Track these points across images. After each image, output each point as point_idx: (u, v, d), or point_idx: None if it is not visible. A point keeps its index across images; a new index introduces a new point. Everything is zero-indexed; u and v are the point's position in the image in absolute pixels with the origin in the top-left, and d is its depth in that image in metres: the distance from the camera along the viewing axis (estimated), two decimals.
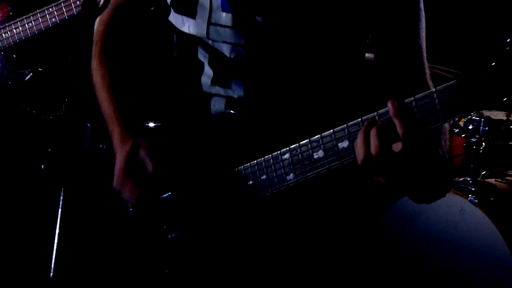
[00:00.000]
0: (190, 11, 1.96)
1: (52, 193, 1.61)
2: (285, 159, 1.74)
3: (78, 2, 3.14)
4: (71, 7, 3.14)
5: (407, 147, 1.40)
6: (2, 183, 3.68)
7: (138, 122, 2.12)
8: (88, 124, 1.72)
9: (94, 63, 2.14)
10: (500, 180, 3.38)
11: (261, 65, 1.90)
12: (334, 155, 1.61)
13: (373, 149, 1.41)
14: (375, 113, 1.49)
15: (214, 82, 1.98)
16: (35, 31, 3.24)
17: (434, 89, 1.39)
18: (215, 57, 1.98)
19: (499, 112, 3.57)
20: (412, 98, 1.41)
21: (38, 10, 3.19)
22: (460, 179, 3.30)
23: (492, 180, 3.36)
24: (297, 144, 1.70)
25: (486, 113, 3.52)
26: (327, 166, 1.62)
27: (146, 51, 2.46)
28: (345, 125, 1.58)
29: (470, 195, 3.12)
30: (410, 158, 1.41)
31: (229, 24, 1.89)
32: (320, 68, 1.90)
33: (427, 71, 1.90)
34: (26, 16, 3.23)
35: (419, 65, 1.91)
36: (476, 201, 3.06)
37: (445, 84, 1.39)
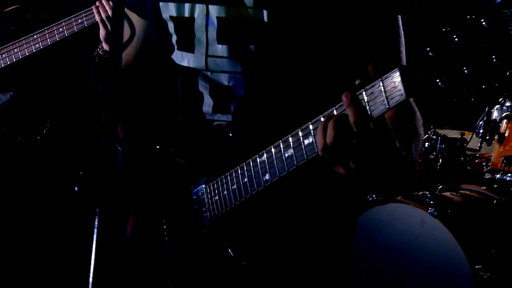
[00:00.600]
0: (188, 47, 2.00)
1: (87, 215, 1.61)
2: (262, 161, 1.76)
3: (60, 29, 3.22)
4: (53, 34, 3.21)
5: (359, 134, 1.44)
6: (37, 206, 3.66)
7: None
8: (120, 149, 1.70)
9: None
10: (455, 193, 3.44)
11: (258, 90, 1.93)
12: (300, 151, 1.64)
13: (328, 139, 1.45)
14: (333, 108, 1.53)
15: (215, 110, 2.00)
16: (19, 56, 3.29)
17: (379, 78, 1.43)
18: (215, 87, 2.00)
19: (454, 130, 3.65)
20: (363, 89, 1.45)
21: (23, 38, 3.26)
22: (420, 193, 3.34)
23: (448, 194, 3.41)
24: (271, 146, 1.74)
25: (443, 131, 3.61)
26: (295, 163, 1.65)
27: (153, 87, 2.38)
28: (309, 123, 1.61)
29: (430, 208, 3.16)
30: (363, 144, 1.45)
31: (226, 54, 1.92)
32: (310, 91, 1.92)
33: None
34: (12, 43, 3.30)
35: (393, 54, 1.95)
36: (436, 213, 3.10)
37: (389, 73, 1.42)
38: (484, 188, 3.57)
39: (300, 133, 1.62)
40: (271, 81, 1.91)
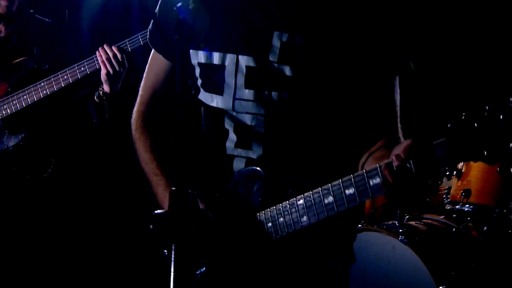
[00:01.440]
0: (217, 90, 2.05)
1: (161, 251, 1.83)
2: (300, 204, 1.82)
3: (65, 77, 3.30)
4: (59, 81, 3.29)
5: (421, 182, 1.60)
6: (43, 239, 3.64)
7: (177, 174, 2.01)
8: (190, 191, 1.77)
9: (137, 134, 2.24)
10: (419, 222, 3.63)
11: (277, 130, 1.98)
12: (341, 200, 1.72)
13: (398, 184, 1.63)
14: (377, 165, 1.66)
15: (237, 145, 2.04)
16: (28, 102, 3.35)
17: (437, 141, 1.58)
18: (239, 125, 2.04)
19: None
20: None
21: (31, 85, 3.33)
22: (389, 222, 3.50)
23: (413, 223, 3.61)
24: (310, 192, 1.79)
25: None
26: (336, 210, 1.73)
27: (177, 122, 2.13)
28: (350, 176, 1.70)
29: (400, 236, 3.33)
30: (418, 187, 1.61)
31: (251, 98, 1.98)
32: (322, 132, 2.00)
33: (400, 128, 2.05)
34: (22, 90, 3.35)
35: (395, 124, 2.06)
36: (406, 240, 3.28)
37: (440, 140, 1.57)
38: (443, 217, 3.77)
39: (342, 183, 1.74)
40: (290, 124, 1.96)
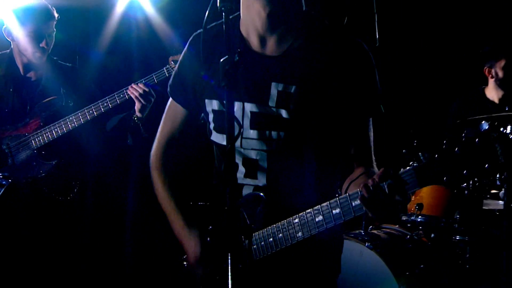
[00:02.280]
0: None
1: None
2: (295, 222, 1.96)
3: (91, 111, 3.51)
4: (85, 115, 3.50)
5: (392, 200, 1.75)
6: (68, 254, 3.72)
7: (190, 214, 2.28)
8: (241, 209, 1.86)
9: (155, 174, 2.34)
10: (380, 231, 3.85)
11: (277, 162, 2.10)
12: (329, 218, 1.89)
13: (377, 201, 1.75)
14: (358, 190, 1.79)
15: (245, 176, 2.14)
16: (59, 134, 3.54)
17: (401, 170, 1.76)
18: (246, 160, 2.14)
19: None
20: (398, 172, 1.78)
21: (61, 119, 3.53)
22: (356, 231, 3.70)
23: (375, 231, 3.81)
24: (304, 212, 1.94)
25: None
26: (325, 226, 1.89)
27: (192, 159, 2.47)
28: (336, 198, 1.87)
29: (366, 243, 3.53)
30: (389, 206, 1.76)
31: (255, 137, 2.10)
32: (313, 162, 2.11)
33: (374, 160, 2.17)
34: (52, 124, 3.55)
35: (370, 156, 2.17)
36: (371, 246, 3.49)
37: (407, 168, 1.78)
38: (398, 226, 3.93)
39: (330, 205, 1.89)
40: (287, 156, 2.08)
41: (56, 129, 3.56)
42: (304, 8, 2.09)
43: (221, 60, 1.69)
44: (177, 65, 2.29)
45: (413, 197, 4.02)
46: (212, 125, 2.15)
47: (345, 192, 2.02)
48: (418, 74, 5.25)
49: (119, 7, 4.60)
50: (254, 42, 2.08)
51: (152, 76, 3.52)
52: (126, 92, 3.55)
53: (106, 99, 3.51)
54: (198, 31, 2.21)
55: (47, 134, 3.59)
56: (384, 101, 2.18)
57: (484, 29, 5.33)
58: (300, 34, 2.07)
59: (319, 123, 2.05)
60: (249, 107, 2.09)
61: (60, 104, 3.64)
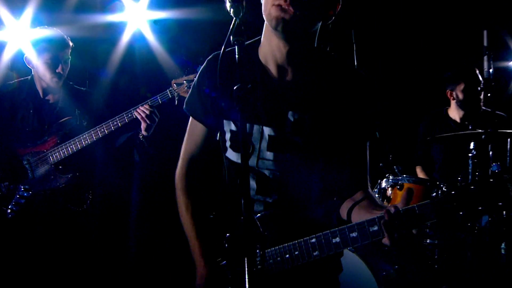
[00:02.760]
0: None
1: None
2: (312, 242, 1.96)
3: (102, 130, 3.59)
4: (97, 133, 3.60)
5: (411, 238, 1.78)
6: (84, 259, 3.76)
7: (208, 250, 2.22)
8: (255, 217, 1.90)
9: (180, 193, 2.31)
10: None
11: (288, 182, 2.12)
12: (346, 241, 1.89)
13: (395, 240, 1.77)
14: (375, 216, 1.81)
15: (257, 193, 2.16)
16: (74, 150, 3.63)
17: (420, 204, 1.76)
18: (260, 178, 2.15)
19: None
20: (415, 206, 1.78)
21: (76, 137, 3.61)
22: None
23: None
24: (321, 233, 1.94)
25: None
26: (342, 247, 1.89)
27: (208, 177, 2.43)
28: (354, 223, 1.88)
29: (348, 247, 3.45)
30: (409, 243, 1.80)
31: (271, 158, 2.11)
32: (319, 183, 2.13)
33: (369, 183, 2.21)
34: (68, 141, 3.63)
35: (365, 177, 2.21)
36: (353, 250, 3.55)
37: (424, 202, 1.78)
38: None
39: (348, 229, 1.88)
40: (298, 177, 2.10)
41: (71, 146, 3.64)
42: (315, 45, 2.11)
43: (234, 87, 1.72)
44: (194, 84, 2.27)
45: (387, 203, 4.11)
46: (228, 143, 2.17)
47: (347, 214, 2.10)
48: (392, 96, 5.36)
49: (125, 37, 4.73)
50: (272, 70, 2.10)
51: (157, 97, 3.59)
52: (133, 112, 3.60)
53: (116, 118, 3.59)
54: (216, 52, 2.20)
55: (63, 150, 3.67)
56: (379, 128, 2.22)
57: (447, 57, 5.49)
58: (313, 66, 2.11)
59: (328, 147, 2.10)
60: (268, 131, 2.10)
61: (75, 124, 3.73)
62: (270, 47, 2.09)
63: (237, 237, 1.76)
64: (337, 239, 1.91)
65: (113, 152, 3.89)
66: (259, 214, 2.12)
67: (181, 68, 3.58)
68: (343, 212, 2.15)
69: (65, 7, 4.48)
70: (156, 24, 4.78)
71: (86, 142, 3.62)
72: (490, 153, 4.03)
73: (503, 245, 3.98)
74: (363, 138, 2.18)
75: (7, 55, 4.29)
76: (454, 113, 4.88)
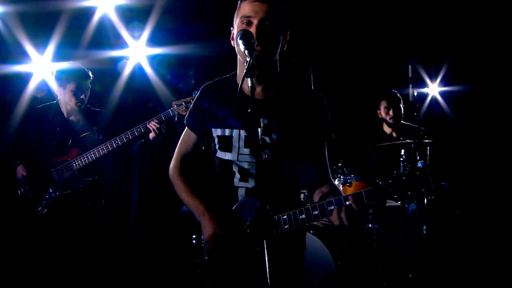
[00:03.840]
0: (228, 149, 2.26)
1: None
2: (284, 218, 2.05)
3: (116, 142, 3.76)
4: (112, 145, 3.78)
5: (360, 215, 1.91)
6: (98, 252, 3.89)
7: (210, 206, 2.27)
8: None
9: (176, 181, 2.37)
10: (318, 223, 3.99)
11: (262, 171, 2.17)
12: (311, 217, 2.01)
13: (344, 221, 1.94)
14: (341, 197, 1.94)
15: (240, 180, 2.25)
16: (93, 158, 3.84)
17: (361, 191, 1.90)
18: (241, 169, 2.22)
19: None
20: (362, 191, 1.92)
21: (95, 148, 3.82)
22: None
23: (315, 223, 3.97)
24: (291, 211, 2.04)
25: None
26: (307, 222, 2.01)
27: (200, 169, 2.48)
28: (317, 203, 2.00)
29: (311, 230, 3.82)
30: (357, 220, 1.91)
31: (248, 153, 2.20)
32: (287, 173, 2.21)
33: (331, 177, 2.30)
34: (88, 152, 3.85)
35: (327, 171, 2.29)
36: (314, 233, 3.80)
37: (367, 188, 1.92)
38: (325, 219, 3.60)
39: (326, 203, 1.98)
40: (269, 167, 2.18)
41: (90, 155, 3.85)
42: (278, 69, 2.25)
43: (249, 110, 1.84)
44: (191, 105, 2.37)
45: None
46: (217, 146, 2.28)
47: (319, 200, 2.20)
48: (342, 111, 5.54)
49: (127, 70, 4.91)
50: (246, 89, 2.18)
51: (161, 115, 3.80)
52: (139, 128, 3.76)
53: (127, 133, 3.78)
54: (207, 83, 2.36)
55: (84, 159, 3.86)
56: (334, 131, 2.29)
57: (382, 83, 5.74)
58: (277, 85, 2.21)
59: (291, 146, 2.19)
60: (243, 133, 2.21)
61: (93, 138, 3.91)
62: (243, 73, 2.10)
63: (256, 223, 1.89)
64: (303, 216, 2.03)
65: (123, 159, 4.02)
66: (241, 198, 2.20)
67: (179, 93, 3.85)
68: (316, 199, 2.26)
69: (80, 44, 4.62)
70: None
71: (103, 152, 3.82)
72: (418, 157, 4.27)
73: (424, 228, 4.24)
74: (321, 138, 2.28)
75: (33, 83, 4.49)
76: (385, 127, 5.07)
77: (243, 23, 2.13)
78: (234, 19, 2.24)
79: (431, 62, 5.75)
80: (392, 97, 4.98)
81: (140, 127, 3.80)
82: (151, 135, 3.78)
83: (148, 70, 4.94)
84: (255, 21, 2.10)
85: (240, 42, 1.99)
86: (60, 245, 3.78)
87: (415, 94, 4.60)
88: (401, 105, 4.98)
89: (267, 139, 2.15)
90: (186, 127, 2.41)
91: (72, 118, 3.99)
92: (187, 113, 2.40)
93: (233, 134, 2.23)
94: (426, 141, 4.28)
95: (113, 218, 4.24)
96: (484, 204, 5.38)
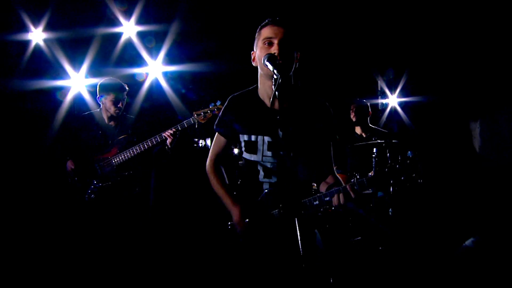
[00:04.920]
0: (254, 152, 2.33)
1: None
2: (303, 202, 2.16)
3: (147, 144, 3.97)
4: (144, 146, 4.00)
5: (356, 199, 1.99)
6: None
7: (236, 198, 2.39)
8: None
9: (211, 176, 2.47)
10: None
11: (283, 169, 2.24)
12: (323, 202, 2.10)
13: (340, 201, 2.04)
14: (340, 187, 2.03)
15: (264, 177, 2.32)
16: (129, 157, 4.07)
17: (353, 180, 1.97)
18: (265, 168, 2.29)
19: None
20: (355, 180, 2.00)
21: (130, 148, 4.05)
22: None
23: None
24: (306, 199, 2.13)
25: None
26: (320, 207, 2.09)
27: (228, 167, 2.54)
28: (327, 191, 2.08)
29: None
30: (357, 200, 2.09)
31: (270, 155, 2.27)
32: (302, 169, 2.25)
33: (334, 167, 2.34)
34: (125, 151, 4.09)
35: (332, 167, 2.35)
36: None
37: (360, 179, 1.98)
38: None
39: (329, 193, 2.07)
40: (289, 165, 2.24)
41: (127, 154, 4.09)
42: (292, 83, 2.28)
43: (277, 117, 2.01)
44: (220, 113, 2.42)
45: None
46: (244, 149, 2.36)
47: (324, 190, 2.27)
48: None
49: (146, 83, 5.20)
50: (267, 102, 2.28)
51: (183, 122, 3.97)
52: (162, 134, 3.97)
53: (156, 136, 3.98)
54: (233, 95, 2.41)
55: (122, 157, 4.09)
56: (338, 133, 2.34)
57: (359, 94, 5.90)
58: (292, 97, 2.26)
59: (304, 147, 2.26)
60: (267, 138, 2.29)
61: (128, 139, 4.13)
62: (264, 88, 2.29)
63: (288, 205, 2.00)
64: (317, 202, 2.13)
65: (149, 158, 4.23)
66: (266, 190, 2.29)
67: (199, 103, 4.09)
68: (322, 189, 2.34)
69: (108, 62, 4.93)
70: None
71: (137, 151, 4.06)
72: (388, 154, 4.50)
73: (390, 210, 4.55)
74: (327, 140, 2.37)
75: (71, 96, 4.83)
76: (357, 129, 5.33)
77: (265, 44, 2.23)
78: (255, 43, 2.34)
79: (391, 77, 6.04)
80: (360, 107, 5.28)
81: (161, 134, 4.03)
82: (168, 140, 4.02)
83: (164, 84, 5.21)
84: (275, 41, 2.21)
85: (268, 63, 2.10)
86: (103, 227, 4.03)
87: (384, 103, 5.08)
88: (368, 111, 5.25)
89: (285, 142, 2.25)
90: (217, 132, 2.51)
91: (111, 123, 4.23)
92: (217, 120, 2.48)
93: (258, 139, 2.30)
94: (394, 141, 4.60)
95: (144, 204, 4.49)
96: (438, 193, 5.57)
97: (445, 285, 3.48)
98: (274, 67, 2.04)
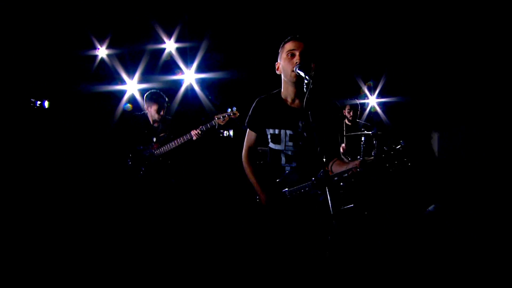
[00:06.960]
0: (278, 142, 2.50)
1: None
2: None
3: (180, 140, 4.44)
4: (179, 142, 4.47)
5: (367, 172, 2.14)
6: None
7: (265, 184, 2.55)
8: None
9: (245, 165, 2.65)
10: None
11: (301, 155, 2.41)
12: (341, 179, 2.21)
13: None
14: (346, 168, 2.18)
15: (285, 162, 2.51)
16: (167, 149, 4.57)
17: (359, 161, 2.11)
18: (286, 155, 2.46)
19: None
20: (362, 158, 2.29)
21: (169, 142, 4.55)
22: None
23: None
24: (340, 172, 2.25)
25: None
26: (347, 176, 2.22)
27: (258, 155, 2.68)
28: (338, 172, 2.23)
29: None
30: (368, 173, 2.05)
31: (291, 145, 2.42)
32: (316, 155, 2.41)
33: (340, 152, 2.59)
34: (164, 145, 4.59)
35: (338, 150, 2.52)
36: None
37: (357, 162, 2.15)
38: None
39: (348, 171, 2.19)
40: (306, 152, 2.43)
41: (165, 148, 4.59)
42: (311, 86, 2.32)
43: (300, 122, 2.11)
44: (250, 112, 2.59)
45: None
46: (270, 140, 2.55)
47: (332, 170, 2.43)
48: None
49: (183, 87, 5.76)
50: (289, 101, 2.45)
51: (207, 124, 4.36)
52: (191, 133, 4.43)
53: (188, 134, 4.43)
54: (260, 97, 2.58)
55: (162, 149, 4.59)
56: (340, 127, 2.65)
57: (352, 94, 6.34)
58: (309, 97, 2.28)
59: (319, 137, 2.37)
60: (289, 131, 2.47)
61: (167, 137, 4.60)
62: (287, 91, 2.48)
63: (320, 180, 2.13)
64: (336, 178, 2.26)
65: (184, 152, 4.71)
66: (287, 171, 2.46)
67: (218, 107, 4.66)
68: (334, 169, 2.49)
69: (154, 71, 5.56)
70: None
71: (173, 146, 4.58)
72: (374, 143, 4.85)
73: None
74: (336, 131, 2.53)
75: (125, 98, 5.55)
76: (346, 121, 5.62)
77: (288, 55, 2.45)
78: (280, 55, 2.56)
79: (371, 79, 6.35)
80: (354, 106, 5.72)
81: (190, 133, 4.51)
82: (194, 138, 4.51)
83: (197, 89, 5.80)
84: (297, 53, 2.44)
85: (299, 72, 2.33)
86: (149, 201, 4.62)
87: (369, 103, 5.60)
88: (358, 109, 5.70)
89: (304, 133, 2.43)
90: (248, 129, 2.70)
91: (155, 124, 4.81)
92: (248, 117, 2.67)
93: (281, 133, 2.50)
94: (379, 133, 4.97)
95: (180, 192, 5.01)
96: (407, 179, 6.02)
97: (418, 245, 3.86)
98: (306, 74, 2.29)
